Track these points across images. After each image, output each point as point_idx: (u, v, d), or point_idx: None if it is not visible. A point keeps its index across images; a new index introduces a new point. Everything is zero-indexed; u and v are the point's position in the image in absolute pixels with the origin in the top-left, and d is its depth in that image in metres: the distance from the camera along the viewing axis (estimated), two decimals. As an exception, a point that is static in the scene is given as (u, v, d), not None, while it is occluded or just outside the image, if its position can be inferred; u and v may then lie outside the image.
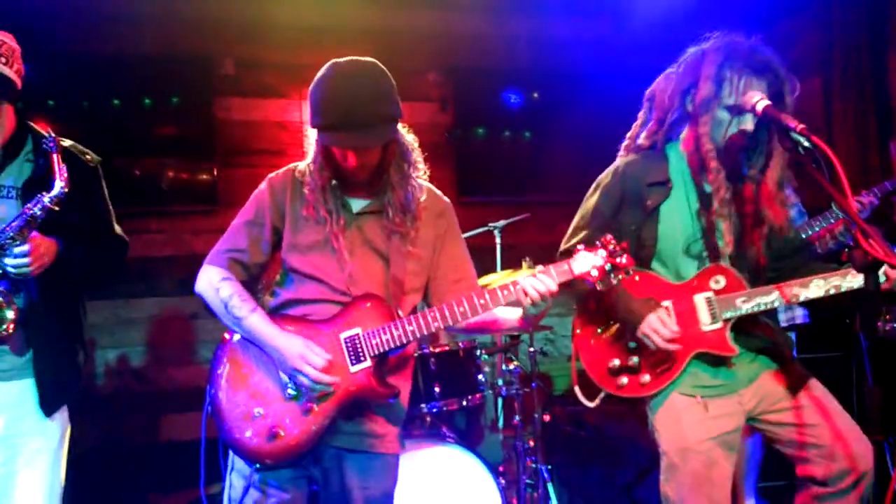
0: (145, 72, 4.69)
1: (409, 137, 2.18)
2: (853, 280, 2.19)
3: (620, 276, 2.04)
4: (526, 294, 2.01)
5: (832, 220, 3.50)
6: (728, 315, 2.29)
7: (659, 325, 2.25)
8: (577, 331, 2.50)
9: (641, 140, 2.51)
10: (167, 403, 4.60)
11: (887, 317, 3.52)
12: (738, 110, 2.23)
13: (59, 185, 2.17)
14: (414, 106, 5.17)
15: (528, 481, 3.64)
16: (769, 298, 2.27)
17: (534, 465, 3.68)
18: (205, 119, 4.83)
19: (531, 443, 3.68)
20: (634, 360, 2.35)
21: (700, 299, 2.32)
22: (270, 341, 2.07)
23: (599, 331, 2.45)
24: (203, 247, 2.27)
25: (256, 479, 2.11)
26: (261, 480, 2.11)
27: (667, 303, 2.32)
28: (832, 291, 2.22)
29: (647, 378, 2.34)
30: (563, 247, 2.48)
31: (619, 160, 2.53)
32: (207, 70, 4.84)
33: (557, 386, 5.01)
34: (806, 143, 2.10)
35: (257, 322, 2.10)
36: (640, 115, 2.59)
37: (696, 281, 2.33)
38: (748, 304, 2.27)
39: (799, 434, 2.31)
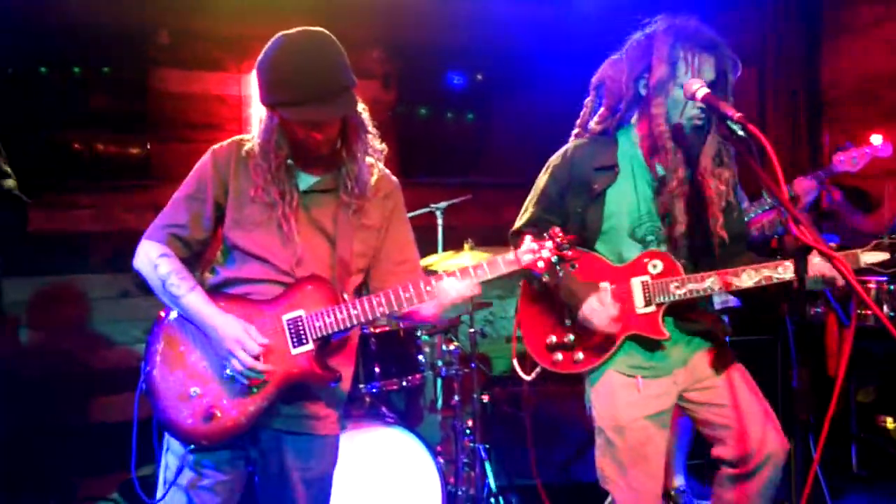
0: (74, 39, 4.47)
1: (361, 106, 2.12)
2: (784, 272, 2.27)
3: (567, 268, 2.06)
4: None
5: (765, 208, 3.61)
6: (661, 300, 2.34)
7: (599, 307, 2.29)
8: (521, 307, 2.54)
9: (592, 126, 2.53)
10: (98, 385, 4.45)
11: (813, 302, 3.67)
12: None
13: None
14: (357, 82, 5.07)
15: (465, 461, 3.67)
16: (703, 285, 2.32)
17: (472, 445, 3.71)
18: (138, 90, 4.66)
19: (470, 423, 3.71)
20: (570, 337, 2.41)
21: (636, 283, 2.36)
22: (208, 321, 2.02)
23: (540, 308, 2.49)
24: (135, 222, 2.20)
25: (191, 460, 2.06)
26: (196, 461, 2.07)
27: (605, 284, 2.36)
28: (763, 283, 2.29)
29: (580, 356, 2.40)
30: (514, 227, 2.54)
31: (570, 143, 2.56)
32: (141, 40, 4.66)
33: (497, 366, 5.06)
34: (742, 132, 2.16)
35: (195, 301, 2.04)
36: (588, 102, 2.61)
37: (635, 264, 2.38)
38: (680, 289, 2.33)
39: (712, 414, 2.42)
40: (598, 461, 2.45)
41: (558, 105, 5.77)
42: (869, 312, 3.37)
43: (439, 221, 4.19)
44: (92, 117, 4.64)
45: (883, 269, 2.27)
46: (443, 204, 4.15)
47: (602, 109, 2.52)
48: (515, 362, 2.51)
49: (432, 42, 5.37)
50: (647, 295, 2.35)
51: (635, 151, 2.43)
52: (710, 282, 2.32)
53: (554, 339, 2.44)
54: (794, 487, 2.11)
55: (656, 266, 2.36)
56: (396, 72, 5.35)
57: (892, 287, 3.53)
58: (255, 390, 2.03)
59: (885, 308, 3.49)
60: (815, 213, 4.29)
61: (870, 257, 2.26)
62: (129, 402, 2.08)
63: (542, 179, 2.54)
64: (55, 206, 4.48)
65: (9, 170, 2.41)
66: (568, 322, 2.41)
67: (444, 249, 4.05)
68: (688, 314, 2.42)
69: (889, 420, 3.92)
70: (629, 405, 2.37)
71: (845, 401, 3.92)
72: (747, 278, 2.30)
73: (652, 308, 2.35)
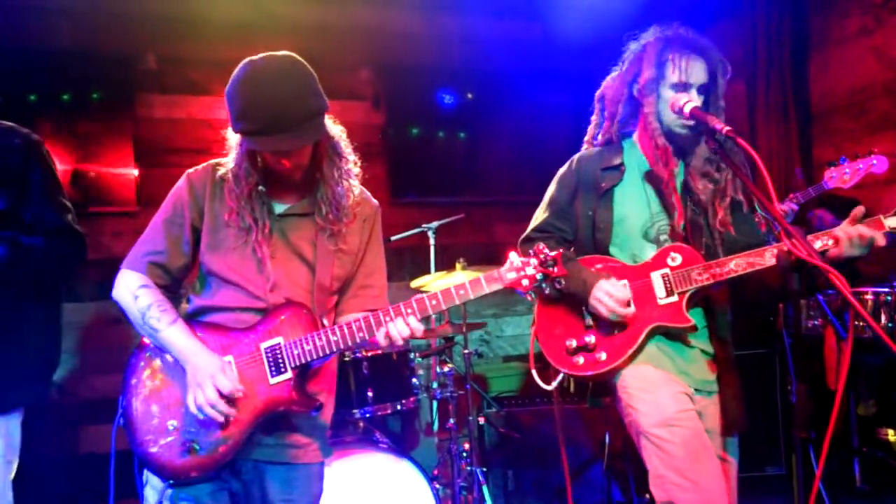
0: (63, 66, 4.46)
1: (337, 129, 2.09)
2: (770, 259, 2.22)
3: (553, 285, 2.02)
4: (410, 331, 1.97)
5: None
6: (682, 289, 2.30)
7: (611, 288, 2.27)
8: (537, 317, 2.51)
9: (598, 139, 2.58)
10: (87, 414, 4.38)
11: (809, 314, 3.63)
12: (683, 87, 2.30)
13: None
14: (345, 105, 5.08)
15: (462, 484, 3.61)
16: (723, 269, 2.26)
17: (469, 468, 3.65)
18: (126, 116, 4.64)
19: (466, 446, 3.65)
20: (591, 338, 2.35)
21: (657, 276, 2.33)
22: (188, 356, 1.97)
23: (556, 314, 2.46)
24: (124, 249, 2.14)
25: (170, 495, 2.00)
26: (175, 496, 2.01)
27: (623, 282, 2.33)
28: (749, 270, 2.23)
29: (603, 355, 2.34)
30: (524, 234, 2.56)
31: (577, 154, 2.59)
32: (128, 66, 4.65)
33: (493, 387, 5.00)
34: (731, 145, 2.14)
35: (175, 335, 1.99)
36: (594, 117, 2.64)
37: (654, 261, 2.36)
38: (703, 275, 2.28)
39: None
40: (651, 469, 2.25)
41: (550, 124, 5.83)
42: (865, 325, 3.34)
43: (431, 241, 4.15)
44: (80, 143, 4.61)
45: None
46: (434, 224, 4.13)
47: (605, 122, 2.56)
48: (535, 373, 2.45)
49: (421, 62, 5.37)
50: (667, 285, 2.31)
51: (640, 155, 2.46)
52: (733, 264, 2.25)
53: (574, 342, 2.38)
54: (797, 504, 2.07)
55: (675, 259, 2.33)
56: (385, 92, 5.33)
57: (889, 298, 3.50)
58: (233, 421, 1.97)
59: (884, 319, 3.46)
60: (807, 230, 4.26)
61: (893, 221, 2.20)
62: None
63: (551, 188, 2.58)
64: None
65: (68, 204, 2.40)
66: (587, 322, 2.37)
67: (437, 269, 4.01)
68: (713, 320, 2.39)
69: (891, 433, 3.87)
70: (673, 398, 2.26)
71: (846, 415, 3.87)
72: (735, 266, 2.25)
73: (674, 298, 2.30)
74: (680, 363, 2.34)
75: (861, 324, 3.40)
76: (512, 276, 1.98)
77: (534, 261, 1.99)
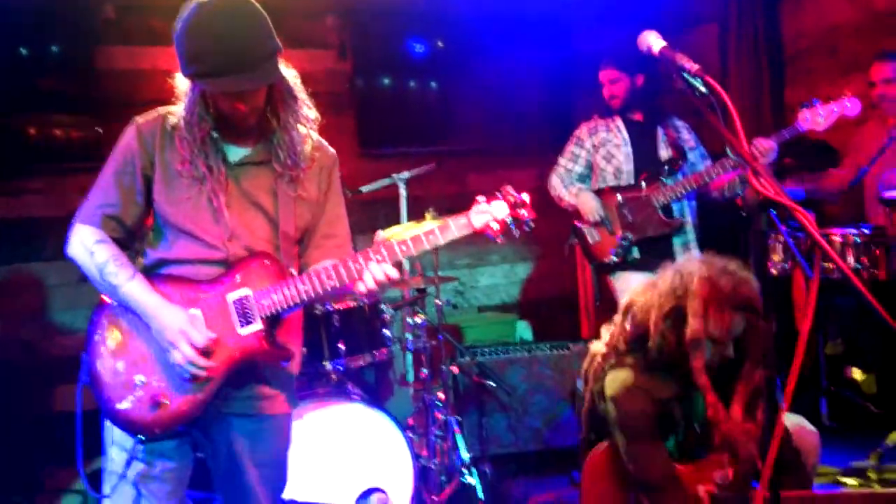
0: (19, 20, 4.28)
1: (291, 72, 2.02)
2: None
3: (522, 229, 1.99)
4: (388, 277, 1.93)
5: (729, 167, 3.57)
6: None
7: None
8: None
9: None
10: (57, 373, 4.33)
11: (779, 256, 3.65)
12: None
13: None
14: (311, 53, 4.91)
15: (437, 433, 3.64)
16: None
17: (443, 417, 3.67)
18: (86, 69, 4.49)
19: (440, 395, 3.67)
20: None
21: None
22: (150, 311, 1.92)
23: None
24: (89, 206, 2.07)
25: (140, 451, 1.97)
26: (145, 451, 1.98)
27: None
28: None
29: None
30: None
31: None
32: (87, 16, 4.48)
33: (468, 337, 5.03)
34: (700, 86, 2.10)
35: (136, 290, 1.93)
36: None
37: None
38: None
39: None
40: None
41: (523, 72, 5.74)
42: (833, 266, 3.36)
43: (402, 192, 4.10)
44: (39, 99, 4.47)
45: None
46: (405, 174, 4.06)
47: None
48: None
49: (390, 9, 5.22)
50: None
51: None
52: None
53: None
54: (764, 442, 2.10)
55: None
56: (353, 41, 5.20)
57: (857, 239, 3.53)
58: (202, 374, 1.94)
59: (850, 260, 3.49)
60: (777, 169, 4.25)
61: None
62: (88, 390, 1.99)
63: None
64: (4, 193, 4.34)
65: None
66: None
67: (408, 220, 3.97)
68: None
69: (857, 371, 3.95)
70: None
71: (814, 354, 3.94)
72: None
73: None
74: None
75: (829, 265, 3.44)
76: (481, 219, 1.95)
77: (503, 203, 1.96)
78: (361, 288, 1.94)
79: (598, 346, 2.58)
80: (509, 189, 1.98)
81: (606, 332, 2.60)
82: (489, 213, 1.95)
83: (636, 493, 2.37)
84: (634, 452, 2.32)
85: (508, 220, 1.96)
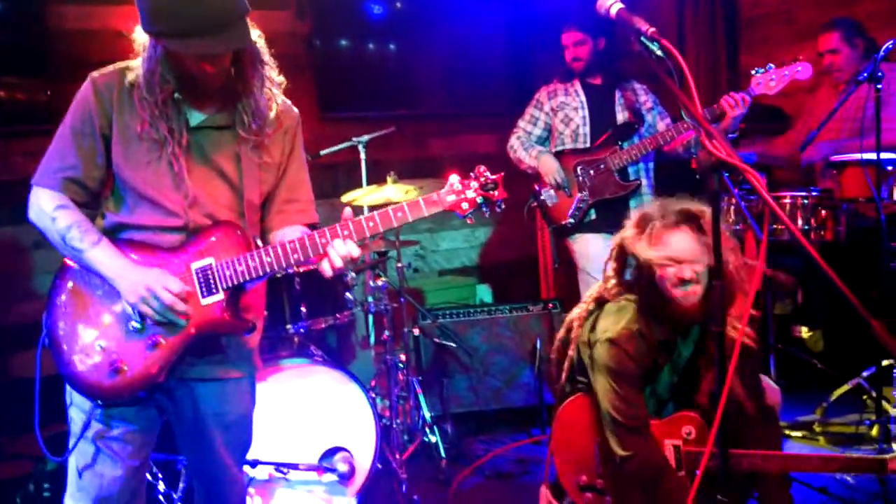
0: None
1: (255, 33, 1.95)
2: None
3: (493, 209, 1.99)
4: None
5: (683, 130, 3.63)
6: None
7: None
8: (553, 435, 2.60)
9: None
10: (14, 340, 4.26)
11: (728, 219, 3.74)
12: None
13: None
14: (267, 14, 4.78)
15: (399, 394, 3.69)
16: None
17: (405, 378, 3.73)
18: (35, 28, 4.33)
19: (402, 357, 3.71)
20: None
21: None
22: (119, 273, 1.88)
23: (573, 443, 2.55)
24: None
25: (99, 413, 1.97)
26: (103, 414, 1.97)
27: None
28: None
29: None
30: None
31: None
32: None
33: (429, 300, 5.06)
34: (657, 49, 2.13)
35: (102, 256, 1.89)
36: None
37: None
38: None
39: None
40: None
41: (482, 34, 5.71)
42: (783, 227, 3.47)
43: (362, 156, 4.08)
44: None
45: None
46: (365, 137, 4.04)
47: None
48: None
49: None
50: None
51: None
52: None
53: (584, 479, 2.51)
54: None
55: None
56: (310, 1, 5.10)
57: (806, 202, 3.63)
58: (163, 342, 1.93)
59: (800, 222, 3.60)
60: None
61: None
62: (48, 356, 1.97)
63: None
64: (-50, 158, 4.21)
65: None
66: (599, 469, 2.48)
67: (368, 184, 3.96)
68: None
69: (804, 329, 4.09)
70: None
71: (763, 314, 4.06)
72: None
73: None
74: None
75: (779, 227, 3.54)
76: (452, 198, 1.95)
77: (474, 184, 1.96)
78: (327, 269, 1.93)
79: (585, 298, 2.66)
80: (482, 169, 1.97)
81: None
82: (461, 192, 1.95)
83: (603, 441, 2.46)
84: (621, 394, 2.38)
85: (479, 199, 1.96)
